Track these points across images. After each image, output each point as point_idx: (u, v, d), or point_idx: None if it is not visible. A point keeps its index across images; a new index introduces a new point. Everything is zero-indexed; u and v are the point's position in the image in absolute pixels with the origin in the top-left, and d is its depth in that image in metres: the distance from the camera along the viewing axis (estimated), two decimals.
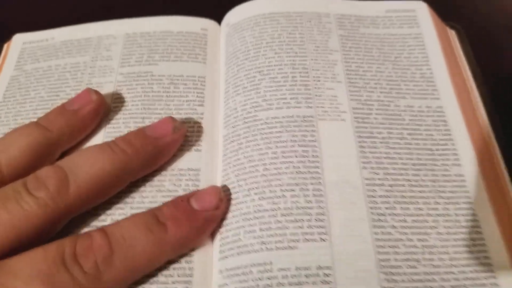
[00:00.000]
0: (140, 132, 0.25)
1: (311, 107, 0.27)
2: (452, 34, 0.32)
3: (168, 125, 0.25)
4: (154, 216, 0.22)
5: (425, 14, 0.32)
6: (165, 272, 0.22)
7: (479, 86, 0.30)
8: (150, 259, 0.21)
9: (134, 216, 0.22)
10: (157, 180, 0.25)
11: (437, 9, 0.33)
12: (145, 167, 0.24)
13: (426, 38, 0.31)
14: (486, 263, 0.22)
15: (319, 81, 0.28)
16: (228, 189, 0.24)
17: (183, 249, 0.22)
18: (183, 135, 0.26)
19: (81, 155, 0.23)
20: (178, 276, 0.22)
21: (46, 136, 0.24)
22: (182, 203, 0.22)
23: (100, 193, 0.23)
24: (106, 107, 0.28)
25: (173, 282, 0.22)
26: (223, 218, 0.24)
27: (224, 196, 0.24)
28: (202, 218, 0.22)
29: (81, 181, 0.22)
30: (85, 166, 0.22)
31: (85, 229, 0.24)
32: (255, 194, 0.24)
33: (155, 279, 0.22)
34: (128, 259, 0.20)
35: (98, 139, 0.27)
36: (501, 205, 0.25)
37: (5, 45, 0.33)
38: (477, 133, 0.27)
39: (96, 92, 0.27)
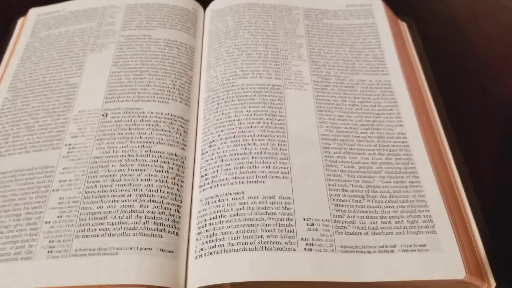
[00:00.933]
0: None
1: (279, 78, 0.32)
2: (404, 25, 0.39)
3: None
4: None
5: (379, 8, 0.38)
6: (160, 194, 0.27)
7: (424, 67, 0.36)
8: None
9: None
10: (153, 120, 0.30)
11: (396, 6, 0.40)
12: None
13: (379, 27, 0.37)
14: (421, 200, 0.28)
15: (287, 59, 0.34)
16: (208, 139, 0.30)
17: None
18: None
19: None
20: (171, 199, 0.27)
21: None
22: None
23: None
24: None
25: (167, 203, 0.27)
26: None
27: None
28: None
29: None
30: None
31: None
32: (231, 141, 0.29)
33: (152, 198, 0.27)
34: None
35: (101, 89, 0.32)
36: (436, 153, 0.30)
37: (21, 19, 0.39)
38: (419, 100, 0.33)
39: None
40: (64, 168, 0.28)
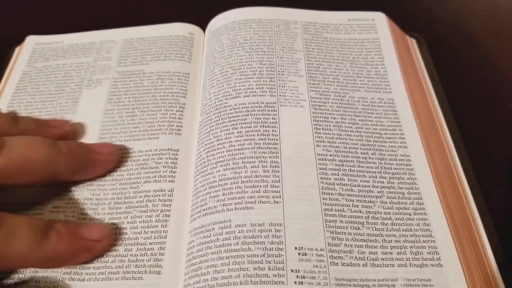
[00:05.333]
0: (81, 143, 0.28)
1: (274, 95, 0.31)
2: (412, 41, 0.37)
3: (107, 148, 0.28)
4: (46, 223, 0.23)
5: (383, 23, 0.37)
6: (143, 235, 0.26)
7: (435, 86, 0.33)
8: (23, 262, 0.23)
9: (30, 217, 0.24)
10: (142, 159, 0.29)
11: (407, 22, 0.38)
12: (75, 172, 0.27)
13: (383, 42, 0.35)
14: (425, 229, 0.25)
15: (283, 74, 0.32)
16: (200, 165, 0.28)
17: (51, 263, 0.24)
18: (116, 161, 0.29)
19: (24, 138, 0.25)
20: (154, 238, 0.26)
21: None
22: (71, 225, 0.24)
23: (24, 174, 0.24)
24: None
25: (150, 243, 0.25)
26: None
27: (109, 234, 0.25)
28: (82, 244, 0.24)
29: (13, 155, 0.24)
30: (22, 145, 0.24)
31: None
32: (221, 166, 0.27)
33: (136, 241, 0.25)
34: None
35: (95, 127, 0.31)
36: (443, 179, 0.28)
37: (18, 48, 0.38)
38: (426, 121, 0.31)
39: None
40: (54, 207, 0.27)
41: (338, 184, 0.27)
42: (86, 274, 0.24)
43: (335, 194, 0.26)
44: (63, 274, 0.24)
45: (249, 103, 0.30)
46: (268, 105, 0.30)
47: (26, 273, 0.25)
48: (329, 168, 0.27)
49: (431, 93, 0.33)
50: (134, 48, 0.36)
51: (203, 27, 0.38)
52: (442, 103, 0.32)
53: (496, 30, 0.39)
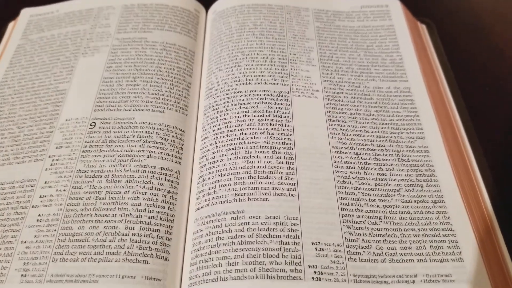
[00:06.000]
0: None
1: (286, 85, 0.29)
2: (423, 27, 0.36)
3: None
4: None
5: (397, 9, 0.35)
6: (148, 214, 0.24)
7: (446, 73, 0.32)
8: None
9: None
10: (145, 131, 0.27)
11: (414, 7, 0.37)
12: None
13: (398, 29, 0.34)
14: (445, 223, 0.24)
15: (295, 63, 0.31)
16: (207, 150, 0.27)
17: None
18: None
19: None
20: (161, 219, 0.24)
21: None
22: None
23: None
24: None
25: (156, 224, 0.24)
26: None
27: None
28: None
29: None
30: None
31: None
32: (231, 154, 0.26)
33: (139, 219, 0.24)
34: None
35: (91, 96, 0.29)
36: (462, 170, 0.27)
37: (12, 22, 0.36)
38: (442, 110, 0.30)
39: None
40: (45, 182, 0.25)
41: (354, 178, 0.26)
42: (80, 253, 0.23)
43: (351, 188, 0.25)
44: (54, 254, 0.23)
45: (261, 91, 0.29)
46: (281, 94, 0.29)
47: (15, 253, 0.23)
48: (344, 161, 0.26)
49: (443, 81, 0.32)
50: (135, 15, 0.34)
51: (205, 6, 0.36)
52: (454, 91, 0.31)
53: (505, 18, 0.38)
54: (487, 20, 0.38)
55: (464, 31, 0.37)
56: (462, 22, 0.38)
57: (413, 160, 0.27)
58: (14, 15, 0.37)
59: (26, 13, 0.37)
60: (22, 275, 0.22)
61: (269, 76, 0.30)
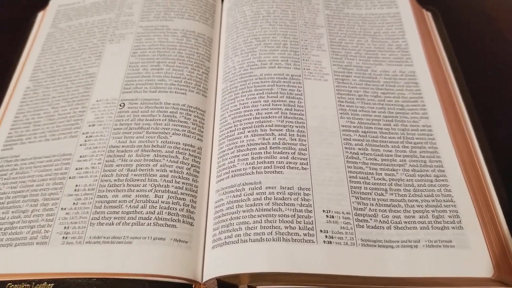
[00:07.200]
0: None
1: (298, 69, 0.32)
2: (428, 15, 0.37)
3: None
4: None
5: None
6: (175, 184, 0.27)
7: (450, 58, 0.34)
8: None
9: None
10: (169, 111, 0.30)
11: None
12: None
13: (403, 16, 0.36)
14: (447, 194, 0.26)
15: (306, 48, 0.33)
16: (226, 129, 0.29)
17: None
18: None
19: None
20: (186, 189, 0.27)
21: None
22: None
23: None
24: None
25: (182, 194, 0.26)
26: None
27: None
28: None
29: None
30: None
31: None
32: (248, 131, 0.28)
33: (167, 189, 0.26)
34: None
35: (119, 78, 0.32)
36: (464, 147, 0.29)
37: (41, 12, 0.39)
38: (445, 92, 0.32)
39: None
40: (81, 156, 0.28)
41: (362, 154, 0.28)
42: (115, 218, 0.25)
43: (359, 163, 0.27)
44: (92, 219, 0.25)
45: (275, 74, 0.31)
46: (293, 77, 0.31)
47: (56, 219, 0.26)
48: (353, 139, 0.28)
49: (447, 65, 0.34)
50: (157, 4, 0.37)
51: None
52: (457, 75, 0.33)
53: (508, 4, 0.40)
54: (490, 6, 0.39)
55: (469, 17, 0.39)
56: (467, 8, 0.40)
57: (417, 138, 0.29)
58: (43, 4, 0.39)
59: (55, 4, 0.39)
60: (63, 237, 0.24)
61: (282, 60, 0.32)
